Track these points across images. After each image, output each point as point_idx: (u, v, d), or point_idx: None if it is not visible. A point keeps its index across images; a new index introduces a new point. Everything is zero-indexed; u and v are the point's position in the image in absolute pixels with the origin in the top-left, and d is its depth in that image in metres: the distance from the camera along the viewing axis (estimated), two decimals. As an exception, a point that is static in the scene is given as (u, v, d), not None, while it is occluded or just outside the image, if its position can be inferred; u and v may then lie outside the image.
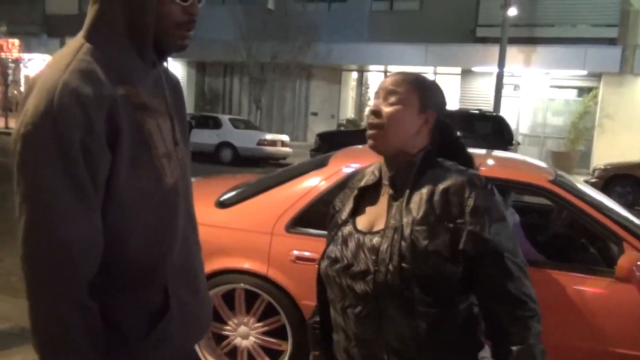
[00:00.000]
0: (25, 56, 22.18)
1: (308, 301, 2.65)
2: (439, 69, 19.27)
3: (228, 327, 2.98)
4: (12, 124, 20.74)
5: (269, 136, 14.75)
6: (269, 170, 6.57)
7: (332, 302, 1.33)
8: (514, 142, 12.15)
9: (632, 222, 2.70)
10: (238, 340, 2.97)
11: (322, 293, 1.43)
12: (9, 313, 3.49)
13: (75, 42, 1.14)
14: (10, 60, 21.36)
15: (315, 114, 21.61)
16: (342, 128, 18.64)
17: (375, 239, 1.23)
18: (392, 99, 1.26)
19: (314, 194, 2.85)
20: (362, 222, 1.31)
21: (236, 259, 2.86)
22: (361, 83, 21.38)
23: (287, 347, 2.86)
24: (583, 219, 2.61)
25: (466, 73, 18.57)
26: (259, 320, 2.93)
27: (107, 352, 1.11)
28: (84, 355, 1.07)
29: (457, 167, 1.27)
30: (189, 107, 19.48)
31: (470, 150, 2.49)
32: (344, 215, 1.36)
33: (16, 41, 21.34)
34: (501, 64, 15.51)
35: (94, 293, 1.09)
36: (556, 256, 2.96)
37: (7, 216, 5.64)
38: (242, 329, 2.96)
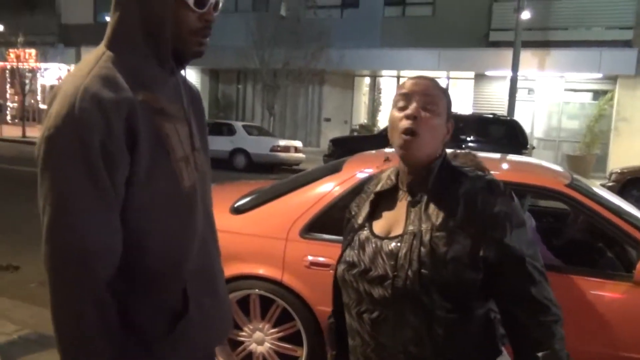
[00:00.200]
0: (42, 66, 22.50)
1: (323, 307, 2.64)
2: (452, 74, 19.20)
3: (243, 333, 2.98)
4: (30, 133, 21.19)
5: (282, 142, 14.78)
6: (283, 176, 6.60)
7: (348, 306, 1.33)
8: (528, 146, 12.06)
9: (650, 225, 2.67)
10: (253, 346, 2.98)
11: (338, 298, 1.43)
12: (27, 320, 3.52)
13: (98, 51, 1.19)
14: (27, 70, 21.67)
15: (328, 120, 21.64)
16: (355, 133, 18.63)
17: (393, 244, 1.23)
18: (429, 105, 1.23)
19: (328, 199, 2.85)
20: (379, 226, 1.31)
21: (251, 264, 2.87)
22: (374, 88, 21.37)
23: (302, 352, 2.85)
24: (600, 223, 2.58)
25: (479, 77, 18.49)
26: (274, 326, 2.93)
27: (123, 350, 1.13)
28: (100, 351, 1.09)
29: (475, 173, 1.27)
30: (203, 114, 19.56)
31: (485, 154, 2.48)
32: (360, 219, 1.36)
33: (33, 51, 21.66)
34: (515, 68, 15.42)
35: (113, 294, 1.12)
36: (573, 260, 2.93)
37: (24, 226, 5.71)
38: (258, 334, 2.96)
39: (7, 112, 27.41)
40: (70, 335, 1.09)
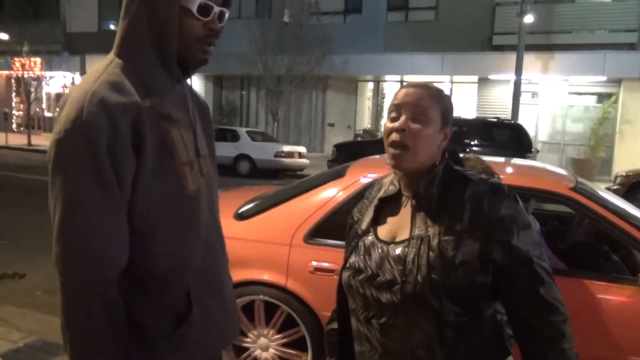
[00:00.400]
0: (47, 74, 22.63)
1: (327, 312, 2.63)
2: (456, 78, 19.20)
3: (248, 339, 2.98)
4: (35, 141, 21.30)
5: (286, 148, 14.80)
6: (287, 181, 6.61)
7: (355, 312, 1.32)
8: (532, 149, 12.03)
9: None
10: (258, 352, 2.97)
11: (342, 303, 1.43)
12: (32, 327, 3.53)
13: (107, 58, 1.23)
14: (32, 78, 21.81)
15: (332, 125, 21.66)
16: (359, 138, 18.64)
17: (400, 249, 1.23)
18: (419, 116, 1.22)
19: (332, 204, 2.85)
20: (383, 232, 1.31)
21: (255, 270, 2.87)
22: (377, 93, 21.40)
23: (307, 358, 2.85)
24: (605, 227, 2.57)
25: (483, 81, 18.48)
26: (278, 332, 2.93)
27: (129, 346, 1.16)
28: (108, 349, 1.12)
29: (479, 176, 1.27)
30: (207, 121, 19.64)
31: (489, 158, 2.48)
32: (364, 225, 1.36)
33: (38, 59, 21.80)
34: (518, 71, 15.41)
35: (119, 293, 1.15)
36: (578, 264, 2.92)
37: (30, 234, 5.76)
38: (262, 340, 2.96)
39: (13, 121, 27.54)
40: (80, 333, 1.12)
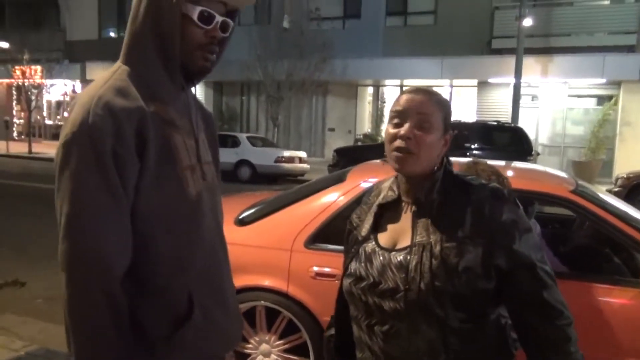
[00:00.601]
0: (48, 82, 22.69)
1: (329, 317, 2.63)
2: (455, 82, 19.22)
3: (250, 345, 2.98)
4: (36, 149, 21.31)
5: (287, 153, 14.81)
6: (288, 186, 6.62)
7: (357, 319, 1.32)
8: (533, 152, 12.03)
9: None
10: (260, 358, 2.97)
11: (341, 310, 1.42)
12: (34, 336, 3.53)
13: (115, 65, 1.29)
14: (33, 86, 21.87)
15: (332, 130, 21.68)
16: (360, 143, 18.65)
17: (402, 256, 1.22)
18: (423, 123, 1.22)
19: (332, 209, 2.85)
20: (384, 238, 1.30)
21: (256, 276, 2.86)
22: (377, 98, 21.42)
23: (309, 364, 2.84)
24: (606, 229, 2.57)
25: (483, 85, 18.49)
26: (280, 338, 2.92)
27: (132, 345, 1.17)
28: (112, 346, 1.14)
29: (479, 181, 1.27)
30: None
31: (489, 162, 2.48)
32: (364, 231, 1.35)
33: (38, 68, 21.87)
34: (518, 74, 15.43)
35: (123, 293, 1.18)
36: (580, 267, 2.91)
37: (31, 242, 5.74)
38: (264, 346, 2.95)
39: (14, 129, 27.60)
40: (84, 330, 1.14)
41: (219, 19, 1.28)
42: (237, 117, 23.40)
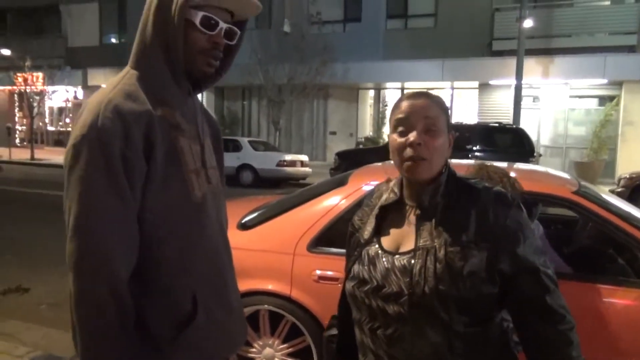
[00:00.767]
0: (50, 88, 22.76)
1: (332, 321, 2.63)
2: (456, 84, 19.23)
3: (253, 349, 2.97)
4: (38, 155, 21.35)
5: (288, 157, 14.82)
6: (290, 190, 6.62)
7: (359, 323, 1.31)
8: (535, 154, 12.02)
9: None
10: (264, 363, 2.96)
11: (344, 312, 1.42)
12: (38, 342, 3.53)
13: (124, 70, 1.32)
14: (35, 93, 21.94)
15: (333, 133, 21.69)
16: (361, 146, 18.64)
17: (406, 260, 1.22)
18: (431, 127, 1.21)
19: (334, 212, 2.85)
20: (387, 241, 1.30)
21: (259, 280, 2.86)
22: (379, 101, 21.43)
23: (313, 368, 2.84)
24: (609, 230, 2.56)
25: (484, 87, 18.50)
26: (283, 342, 2.92)
27: (138, 344, 1.19)
28: (118, 344, 1.15)
29: (483, 185, 1.27)
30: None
31: (492, 163, 2.48)
32: (367, 234, 1.34)
33: (40, 74, 21.94)
34: (519, 76, 15.42)
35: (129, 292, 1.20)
36: (584, 268, 2.90)
37: (34, 248, 5.74)
38: (267, 350, 2.95)
39: (16, 135, 27.67)
40: (91, 328, 1.15)
41: (223, 25, 1.30)
42: (238, 121, 23.43)
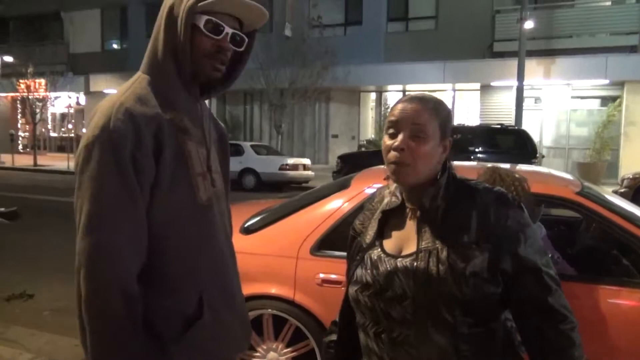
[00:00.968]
0: (52, 95, 22.84)
1: (336, 324, 2.63)
2: (458, 86, 19.23)
3: (257, 354, 2.97)
4: (41, 161, 21.40)
5: (291, 160, 14.83)
6: (292, 194, 6.62)
7: (363, 326, 1.31)
8: (537, 155, 12.00)
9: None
10: (268, 367, 2.96)
11: (344, 318, 1.42)
12: (42, 348, 3.53)
13: (136, 75, 1.37)
14: (37, 99, 22.01)
15: (335, 136, 21.70)
16: (363, 149, 18.65)
17: (408, 263, 1.22)
18: (418, 133, 1.21)
19: (337, 216, 2.85)
20: (389, 245, 1.29)
21: (263, 284, 2.86)
22: (380, 104, 21.45)
23: (318, 372, 2.83)
24: (613, 230, 2.55)
25: (485, 88, 18.49)
26: (287, 346, 2.91)
27: (146, 342, 1.21)
28: (127, 341, 1.17)
29: (483, 185, 1.26)
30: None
31: (494, 165, 2.48)
32: (368, 238, 1.34)
33: (42, 81, 22.03)
34: (520, 77, 15.41)
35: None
36: (588, 269, 2.89)
37: (37, 254, 5.74)
38: (271, 354, 2.95)
39: (19, 142, 27.75)
40: (100, 325, 1.17)
41: (228, 30, 1.33)
42: (240, 125, 23.47)
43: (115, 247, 1.17)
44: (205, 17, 1.30)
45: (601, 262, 3.08)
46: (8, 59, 22.63)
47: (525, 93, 16.01)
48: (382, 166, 3.46)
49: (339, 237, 2.77)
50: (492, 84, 18.14)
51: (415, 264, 1.20)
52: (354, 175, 3.23)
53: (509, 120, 16.09)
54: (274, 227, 3.01)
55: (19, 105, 27.40)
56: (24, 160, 22.04)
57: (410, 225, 1.27)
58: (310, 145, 22.22)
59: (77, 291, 1.20)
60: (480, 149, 11.93)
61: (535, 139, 14.47)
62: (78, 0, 25.79)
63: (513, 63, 15.86)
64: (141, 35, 23.58)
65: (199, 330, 1.28)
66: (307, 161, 15.53)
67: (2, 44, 24.94)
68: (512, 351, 1.26)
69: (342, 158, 13.78)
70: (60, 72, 23.25)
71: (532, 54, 16.04)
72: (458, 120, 17.91)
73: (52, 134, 28.15)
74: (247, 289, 2.82)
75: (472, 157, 11.45)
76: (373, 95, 21.75)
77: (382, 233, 1.33)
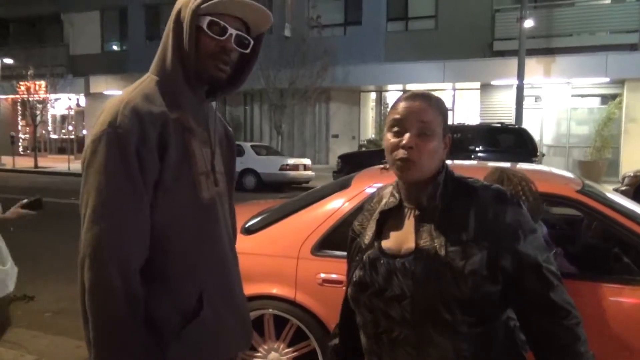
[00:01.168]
0: (52, 96, 22.85)
1: (338, 324, 2.62)
2: (458, 85, 19.22)
3: (258, 354, 2.97)
4: (41, 163, 21.40)
5: (291, 161, 14.83)
6: (293, 194, 6.61)
7: (364, 327, 1.31)
8: (538, 153, 11.99)
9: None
10: (269, 367, 2.96)
11: (345, 319, 1.41)
12: (43, 349, 3.53)
13: (145, 75, 1.40)
14: (37, 101, 22.02)
15: (336, 136, 21.69)
16: (364, 149, 18.64)
17: (407, 262, 1.21)
18: (425, 131, 1.21)
19: (338, 215, 2.85)
20: (387, 244, 1.29)
21: (264, 284, 2.86)
22: (380, 103, 21.44)
23: (319, 372, 2.83)
24: (614, 228, 2.55)
25: (485, 87, 18.48)
26: (289, 346, 2.91)
27: (147, 335, 1.22)
28: (127, 331, 1.19)
29: (481, 183, 1.26)
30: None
31: (495, 164, 2.47)
32: (367, 239, 1.34)
33: (42, 82, 22.04)
34: (520, 76, 15.40)
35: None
36: (589, 267, 2.89)
37: (39, 256, 5.74)
38: (273, 355, 2.95)
39: (19, 144, 27.75)
40: (104, 317, 1.19)
41: (232, 31, 1.35)
42: (240, 126, 23.47)
43: (120, 238, 1.19)
44: (208, 19, 1.32)
45: (602, 260, 3.08)
46: (8, 61, 22.64)
47: (526, 92, 16.00)
48: (379, 166, 3.45)
49: (339, 237, 2.76)
50: (492, 82, 18.13)
51: (414, 262, 1.20)
52: (355, 175, 3.23)
53: (510, 119, 16.08)
54: (274, 227, 3.01)
55: (19, 107, 27.41)
56: (25, 162, 22.06)
57: (409, 225, 1.27)
58: (311, 146, 22.22)
59: (81, 284, 1.22)
60: (480, 147, 11.92)
61: (536, 137, 14.45)
62: (78, 2, 25.79)
63: (513, 62, 15.85)
64: (141, 37, 23.61)
65: (198, 325, 1.30)
66: (307, 161, 15.53)
67: (2, 46, 24.95)
68: (514, 351, 1.26)
69: (343, 158, 13.77)
70: (60, 74, 23.27)
71: (532, 52, 16.03)
72: (458, 119, 17.90)
73: (53, 136, 28.15)
74: (248, 289, 2.82)
75: (472, 156, 11.45)
76: (373, 95, 21.74)
77: (381, 233, 1.32)
